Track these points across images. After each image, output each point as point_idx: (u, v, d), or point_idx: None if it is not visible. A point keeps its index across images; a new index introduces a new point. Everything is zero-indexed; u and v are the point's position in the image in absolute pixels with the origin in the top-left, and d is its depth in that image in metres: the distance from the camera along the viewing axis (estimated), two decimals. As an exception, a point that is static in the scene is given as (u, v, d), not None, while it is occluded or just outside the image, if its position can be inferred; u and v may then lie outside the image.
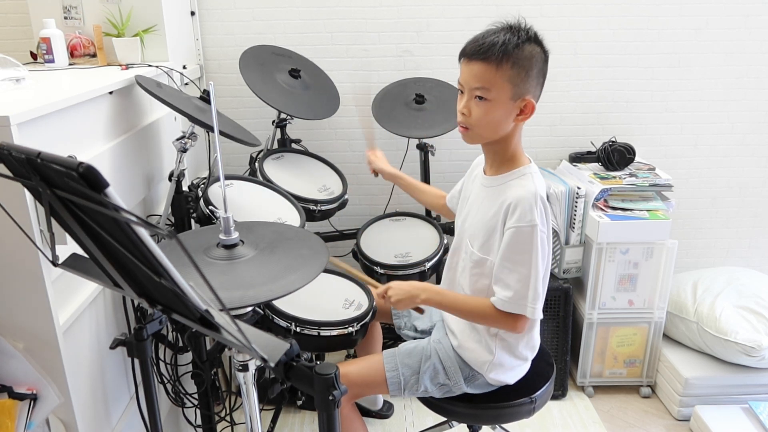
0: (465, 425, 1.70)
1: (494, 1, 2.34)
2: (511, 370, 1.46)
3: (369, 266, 1.99)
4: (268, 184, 1.88)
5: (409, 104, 2.24)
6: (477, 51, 1.25)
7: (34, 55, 1.98)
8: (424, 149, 2.29)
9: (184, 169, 1.69)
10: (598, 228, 2.14)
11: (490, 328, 1.42)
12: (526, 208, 1.26)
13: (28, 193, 1.09)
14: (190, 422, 1.90)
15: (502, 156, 1.36)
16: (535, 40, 1.27)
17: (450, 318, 1.52)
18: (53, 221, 0.89)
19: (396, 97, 2.28)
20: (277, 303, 1.58)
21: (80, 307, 1.29)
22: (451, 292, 1.46)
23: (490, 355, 1.43)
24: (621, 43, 2.40)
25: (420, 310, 1.54)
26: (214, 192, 1.71)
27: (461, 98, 1.32)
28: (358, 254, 2.05)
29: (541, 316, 1.31)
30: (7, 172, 0.86)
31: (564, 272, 2.27)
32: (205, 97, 1.71)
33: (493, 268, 1.35)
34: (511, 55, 1.23)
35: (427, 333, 1.64)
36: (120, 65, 1.80)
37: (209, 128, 1.61)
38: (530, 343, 1.47)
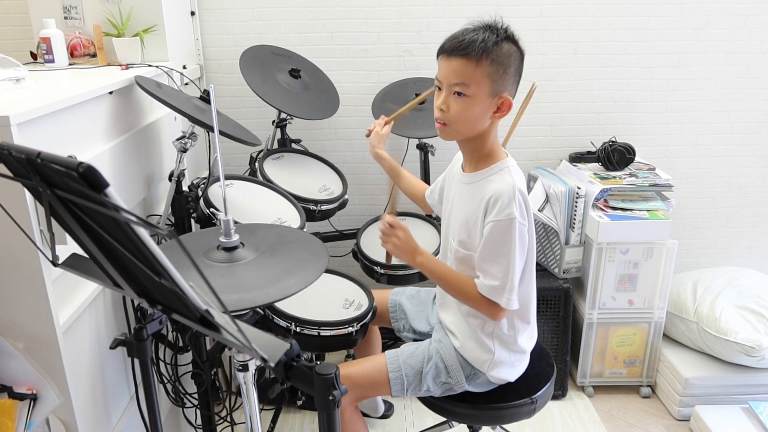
0: (465, 425, 1.70)
1: (494, 1, 2.34)
2: (512, 366, 1.47)
3: (369, 266, 1.99)
4: (268, 184, 1.88)
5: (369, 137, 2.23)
6: (457, 47, 1.26)
7: (34, 55, 1.98)
8: (424, 149, 2.29)
9: (184, 169, 1.69)
10: (598, 228, 2.14)
11: (485, 327, 1.43)
12: (506, 201, 1.28)
13: (28, 193, 1.09)
14: (190, 422, 1.90)
15: (479, 152, 1.38)
16: (512, 39, 1.29)
17: (448, 320, 1.52)
18: (53, 221, 0.89)
19: (396, 97, 2.28)
20: (277, 303, 1.58)
21: (80, 307, 1.29)
22: (444, 264, 1.46)
23: (490, 354, 1.43)
24: (621, 43, 2.40)
25: (389, 258, 1.57)
26: (214, 192, 1.71)
27: (439, 95, 1.33)
28: (358, 254, 2.05)
29: (515, 307, 1.32)
30: (7, 172, 0.86)
31: (564, 272, 2.27)
32: (205, 98, 1.71)
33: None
34: (490, 52, 1.25)
35: (425, 335, 1.64)
36: (120, 65, 1.80)
37: (209, 128, 1.61)
38: (530, 334, 1.48)
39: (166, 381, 1.71)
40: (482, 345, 1.44)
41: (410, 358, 1.48)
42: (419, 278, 1.96)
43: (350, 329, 1.56)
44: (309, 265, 1.13)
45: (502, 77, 1.28)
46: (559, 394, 2.32)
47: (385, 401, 2.20)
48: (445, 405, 1.50)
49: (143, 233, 0.70)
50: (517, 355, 1.47)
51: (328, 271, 1.82)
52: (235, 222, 1.16)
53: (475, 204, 1.35)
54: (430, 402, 1.52)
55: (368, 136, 1.76)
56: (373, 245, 2.07)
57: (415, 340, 1.63)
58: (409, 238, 1.41)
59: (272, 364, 0.87)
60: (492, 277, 1.31)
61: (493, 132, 1.36)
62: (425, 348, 1.50)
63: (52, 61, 1.79)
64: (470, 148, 1.39)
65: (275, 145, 2.26)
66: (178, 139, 1.65)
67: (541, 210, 2.27)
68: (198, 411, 1.77)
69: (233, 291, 1.02)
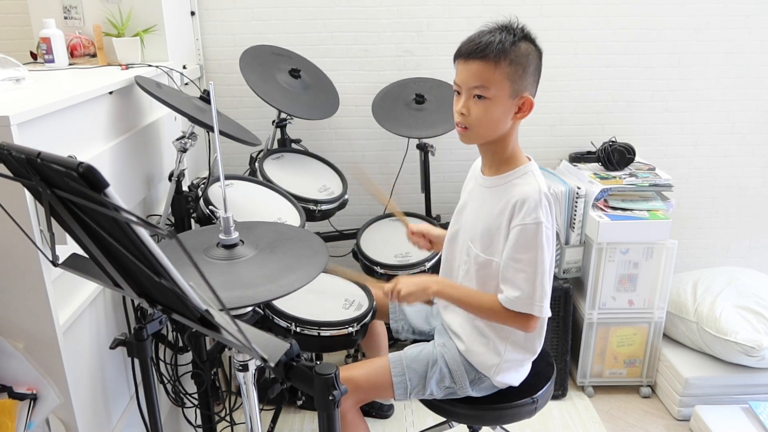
0: (465, 425, 1.70)
1: (494, 1, 2.34)
2: (517, 371, 1.46)
3: (369, 266, 1.99)
4: (268, 184, 1.88)
5: (409, 104, 2.24)
6: (474, 50, 1.25)
7: (34, 55, 1.98)
8: (424, 149, 2.29)
9: (184, 169, 1.69)
10: (598, 228, 2.14)
11: (500, 332, 1.42)
12: (532, 205, 1.27)
13: (28, 193, 1.09)
14: (190, 422, 1.90)
15: (501, 155, 1.36)
16: (528, 38, 1.28)
17: (454, 322, 1.51)
18: (53, 221, 0.89)
19: (396, 97, 2.28)
20: (277, 303, 1.58)
21: (80, 307, 1.29)
22: (462, 285, 1.43)
23: (498, 358, 1.42)
24: (621, 43, 2.40)
25: (430, 303, 1.49)
26: (214, 192, 1.71)
27: (458, 99, 1.32)
28: (358, 254, 2.05)
29: (549, 313, 1.31)
30: (7, 172, 0.86)
31: (564, 272, 2.27)
32: (205, 97, 1.71)
33: (499, 269, 1.35)
34: (508, 53, 1.24)
35: (425, 334, 1.63)
36: (120, 65, 1.80)
37: (209, 128, 1.61)
38: (542, 338, 1.46)
39: (166, 381, 1.71)
40: (492, 348, 1.42)
41: (414, 363, 1.46)
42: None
43: (350, 329, 1.56)
44: (309, 262, 1.13)
45: (521, 77, 1.26)
46: (559, 394, 2.32)
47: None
48: (445, 405, 1.49)
49: (143, 233, 0.70)
50: (525, 355, 1.46)
51: (328, 271, 1.82)
52: (234, 220, 1.16)
53: (499, 208, 1.33)
54: (430, 402, 1.52)
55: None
56: (373, 245, 2.07)
57: (415, 340, 1.63)
58: (410, 281, 1.40)
59: (272, 364, 0.87)
60: (516, 287, 1.29)
61: (514, 134, 1.34)
62: (429, 351, 1.49)
63: (52, 61, 1.79)
64: (491, 151, 1.37)
65: (275, 145, 2.26)
66: (178, 139, 1.65)
67: (541, 210, 2.27)
68: (198, 411, 1.77)
69: (235, 288, 1.02)
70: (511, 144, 1.35)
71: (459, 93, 1.31)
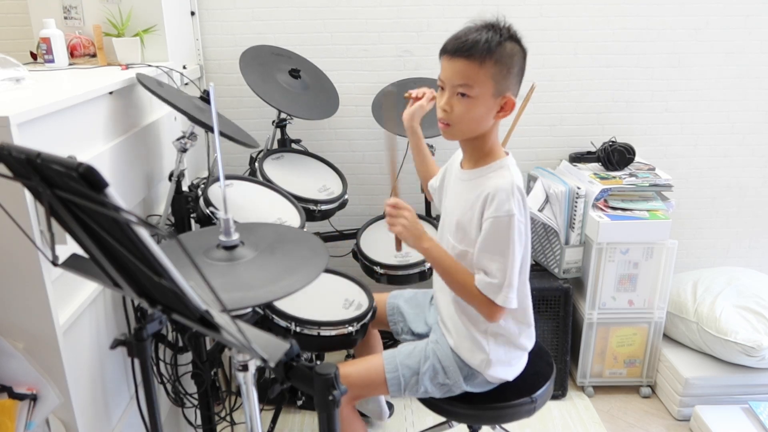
0: (465, 425, 1.70)
1: (494, 1, 2.34)
2: (509, 365, 1.47)
3: (369, 266, 1.99)
4: (268, 184, 1.88)
5: (409, 104, 2.23)
6: (461, 48, 1.25)
7: (34, 55, 1.98)
8: (424, 149, 2.28)
9: (184, 169, 1.69)
10: (598, 228, 2.14)
11: (479, 325, 1.42)
12: (504, 198, 1.27)
13: (28, 193, 1.09)
14: (190, 422, 1.90)
15: (480, 151, 1.37)
16: (514, 38, 1.28)
17: (445, 316, 1.52)
18: (53, 221, 0.89)
19: (396, 96, 2.28)
20: (276, 303, 1.58)
21: (80, 307, 1.29)
22: (449, 255, 1.42)
23: (484, 354, 1.43)
24: (621, 43, 2.40)
25: (399, 246, 1.48)
26: (214, 192, 1.71)
27: (441, 95, 1.32)
28: (358, 254, 2.05)
29: (513, 305, 1.30)
30: (7, 172, 0.86)
31: (564, 272, 2.27)
32: (205, 98, 1.71)
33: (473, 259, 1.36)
34: (494, 53, 1.24)
35: (423, 336, 1.64)
36: (120, 65, 1.80)
37: (209, 128, 1.61)
38: (528, 335, 1.47)
39: (166, 381, 1.72)
40: (476, 344, 1.43)
41: (407, 359, 1.48)
42: (419, 278, 1.96)
43: (350, 329, 1.56)
44: (309, 263, 1.12)
45: (505, 77, 1.27)
46: (559, 394, 2.32)
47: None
48: (444, 405, 1.49)
49: (143, 233, 0.70)
50: (514, 353, 1.47)
51: (328, 271, 1.82)
52: (234, 221, 1.16)
53: (471, 200, 1.34)
54: (429, 402, 1.52)
55: (408, 98, 1.68)
56: (373, 245, 2.07)
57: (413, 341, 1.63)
58: (416, 220, 1.39)
59: (272, 365, 0.87)
60: (488, 273, 1.31)
61: (494, 131, 1.36)
62: (422, 348, 1.50)
63: (52, 61, 1.79)
64: (471, 146, 1.39)
65: (275, 145, 2.26)
66: (178, 139, 1.65)
67: (541, 210, 2.27)
68: (198, 411, 1.77)
69: (235, 289, 1.02)
70: (491, 140, 1.36)
71: (443, 89, 1.32)
